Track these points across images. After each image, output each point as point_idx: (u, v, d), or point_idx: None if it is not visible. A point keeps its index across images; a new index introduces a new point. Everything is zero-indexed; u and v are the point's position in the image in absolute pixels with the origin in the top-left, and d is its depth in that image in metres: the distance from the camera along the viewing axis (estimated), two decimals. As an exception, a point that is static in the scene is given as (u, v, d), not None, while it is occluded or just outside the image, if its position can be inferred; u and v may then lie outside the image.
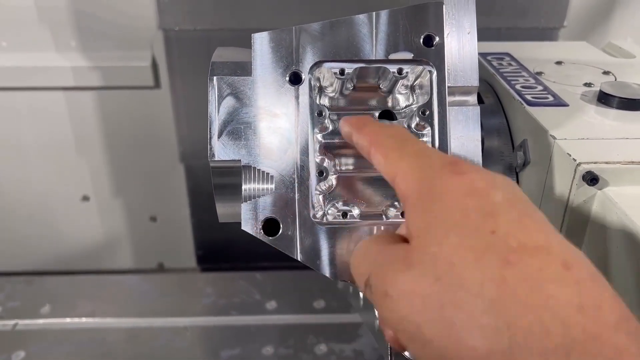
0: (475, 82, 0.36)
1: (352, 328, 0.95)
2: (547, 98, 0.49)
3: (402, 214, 0.35)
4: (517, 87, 0.52)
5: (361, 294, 0.43)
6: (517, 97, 0.49)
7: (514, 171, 0.49)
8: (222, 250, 1.33)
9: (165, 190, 1.43)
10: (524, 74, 0.55)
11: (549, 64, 0.58)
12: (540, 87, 0.51)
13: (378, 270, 0.26)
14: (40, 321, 0.96)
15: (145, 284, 1.05)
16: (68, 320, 0.97)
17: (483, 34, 1.04)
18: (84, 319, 0.97)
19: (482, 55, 0.60)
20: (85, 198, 1.45)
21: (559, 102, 0.48)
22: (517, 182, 0.49)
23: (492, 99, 0.54)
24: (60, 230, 1.49)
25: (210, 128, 0.36)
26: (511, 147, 0.50)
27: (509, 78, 0.54)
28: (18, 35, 1.25)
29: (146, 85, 1.29)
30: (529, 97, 0.49)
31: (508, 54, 0.61)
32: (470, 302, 0.22)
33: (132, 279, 1.06)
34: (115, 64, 1.27)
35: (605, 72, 0.56)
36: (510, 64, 0.58)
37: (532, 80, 0.53)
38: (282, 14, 1.07)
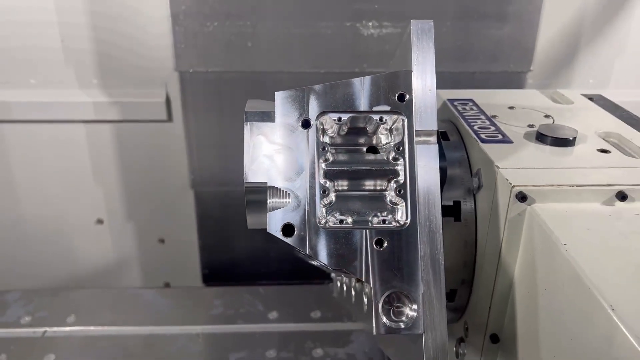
0: (434, 126, 0.50)
1: (345, 334, 1.07)
2: (497, 136, 0.64)
3: (383, 221, 0.49)
4: (475, 127, 0.66)
5: (365, 300, 0.55)
6: (474, 136, 0.64)
7: (471, 193, 0.63)
8: (227, 269, 1.45)
9: (174, 215, 1.56)
10: (482, 116, 0.69)
11: (503, 108, 0.73)
12: (493, 128, 0.66)
13: None
14: (67, 329, 1.08)
15: (160, 296, 1.17)
16: (92, 328, 1.08)
17: (459, 77, 1.21)
18: (106, 327, 1.08)
19: (450, 100, 0.75)
20: (100, 221, 1.57)
21: (505, 140, 0.63)
22: (474, 202, 0.63)
23: (456, 137, 0.68)
24: (75, 251, 1.61)
25: (245, 158, 0.49)
26: (470, 174, 0.64)
27: (469, 120, 0.68)
28: (45, 73, 1.39)
29: (160, 119, 1.43)
30: (483, 135, 0.64)
31: (471, 100, 0.75)
32: None
33: (148, 292, 1.18)
34: (132, 99, 1.41)
35: (547, 116, 0.71)
36: (472, 109, 0.72)
37: (488, 122, 0.68)
38: (284, 59, 1.22)
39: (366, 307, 0.54)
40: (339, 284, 0.90)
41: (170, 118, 1.44)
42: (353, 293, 0.66)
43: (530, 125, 0.67)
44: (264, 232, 1.45)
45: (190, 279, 1.59)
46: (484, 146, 0.61)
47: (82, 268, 1.61)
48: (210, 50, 1.20)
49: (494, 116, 0.70)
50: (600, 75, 1.47)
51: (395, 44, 1.21)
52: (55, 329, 1.08)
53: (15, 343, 1.04)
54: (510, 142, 0.62)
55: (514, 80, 1.28)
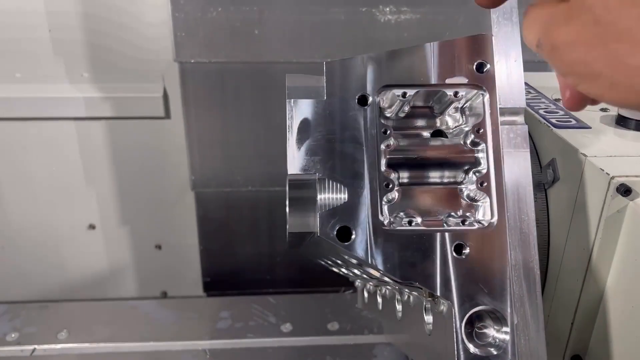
0: (522, 103, 0.40)
1: (367, 348, 0.97)
2: (570, 121, 0.54)
3: (463, 222, 0.39)
4: (541, 112, 0.56)
5: (400, 307, 0.46)
6: (544, 121, 0.54)
7: (542, 188, 0.53)
8: (230, 277, 1.35)
9: (172, 219, 1.45)
10: (544, 100, 0.60)
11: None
12: (561, 112, 0.56)
13: (544, 29, 0.30)
14: (59, 346, 0.97)
15: (160, 308, 1.06)
16: (86, 345, 0.98)
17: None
18: (102, 344, 0.98)
19: (502, 84, 0.65)
20: (92, 227, 1.47)
21: (581, 125, 0.53)
22: (546, 198, 0.53)
23: (518, 123, 0.58)
24: (65, 259, 1.50)
25: (288, 145, 0.39)
26: (539, 166, 0.54)
27: (531, 104, 0.59)
28: (32, 66, 1.29)
29: (157, 116, 1.32)
30: (554, 120, 0.54)
31: (526, 83, 0.66)
32: (629, 33, 0.26)
33: (147, 304, 1.07)
34: (126, 94, 1.31)
35: (617, 99, 0.62)
36: (529, 92, 0.63)
37: (553, 106, 0.58)
38: (294, 48, 1.13)
39: (430, 325, 0.44)
40: (366, 294, 0.80)
41: (168, 115, 1.33)
42: (399, 308, 0.57)
43: (604, 109, 0.57)
44: (269, 237, 1.35)
45: (190, 288, 1.49)
46: (559, 132, 0.51)
47: (73, 277, 1.50)
48: (213, 38, 1.11)
49: (558, 99, 0.60)
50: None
51: (414, 31, 1.12)
52: (45, 346, 0.97)
53: (0, 364, 0.93)
54: (588, 127, 0.53)
55: (541, 68, 1.19)
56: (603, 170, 0.44)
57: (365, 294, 0.79)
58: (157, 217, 1.46)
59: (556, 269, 0.52)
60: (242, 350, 0.97)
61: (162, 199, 1.43)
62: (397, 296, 0.56)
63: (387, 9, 1.11)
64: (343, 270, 0.70)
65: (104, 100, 1.30)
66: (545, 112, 0.56)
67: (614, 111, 0.55)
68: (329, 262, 0.70)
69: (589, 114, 0.56)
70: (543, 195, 0.53)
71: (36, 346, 0.97)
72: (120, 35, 1.26)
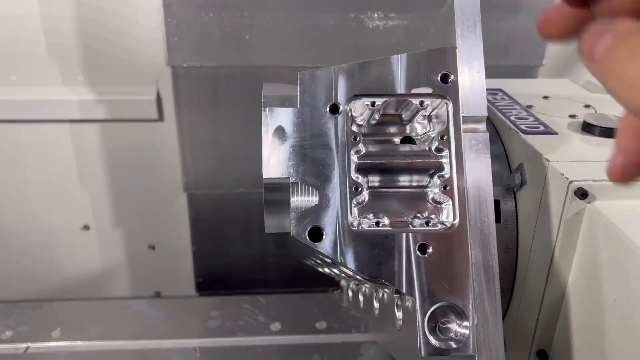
0: (484, 112, 0.43)
1: (354, 347, 1.00)
2: (538, 127, 0.57)
3: (427, 223, 0.42)
4: (512, 118, 0.59)
5: (399, 315, 0.48)
6: (513, 127, 0.57)
7: (512, 191, 0.56)
8: (222, 277, 1.37)
9: (166, 220, 1.48)
10: (516, 107, 0.63)
11: (538, 98, 0.66)
12: (531, 119, 0.59)
13: None
14: (52, 344, 0.99)
15: (151, 307, 1.08)
16: (79, 343, 1.00)
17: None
18: (95, 342, 1.00)
19: (478, 90, 0.68)
20: (86, 227, 1.49)
21: (549, 131, 0.56)
22: (515, 201, 0.56)
23: (490, 129, 0.61)
24: (59, 259, 1.52)
25: (263, 150, 0.42)
26: (508, 170, 0.57)
27: (503, 110, 0.61)
28: (27, 69, 1.31)
29: (150, 118, 1.35)
30: (523, 126, 0.57)
31: (501, 90, 0.68)
32: None
33: (139, 303, 1.10)
34: (121, 97, 1.33)
35: (586, 106, 0.64)
36: (503, 99, 0.65)
37: (524, 113, 0.61)
38: (284, 53, 1.15)
39: (400, 321, 0.47)
40: (350, 293, 0.82)
41: (161, 117, 1.36)
42: (376, 305, 0.59)
43: (572, 116, 0.60)
44: (261, 238, 1.37)
45: (182, 288, 1.51)
46: (526, 138, 0.54)
47: (66, 277, 1.52)
48: (205, 43, 1.13)
49: (530, 106, 0.63)
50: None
51: (402, 37, 1.14)
52: (38, 344, 0.99)
53: (-6, 361, 0.95)
54: (555, 133, 0.56)
55: (526, 75, 1.22)
56: (563, 174, 0.47)
57: (350, 293, 0.82)
58: (150, 218, 1.48)
59: (524, 269, 0.54)
60: (231, 348, 0.99)
61: (155, 200, 1.46)
62: (375, 294, 0.59)
63: (375, 15, 1.13)
64: (326, 269, 0.72)
65: (98, 103, 1.33)
66: (516, 118, 0.59)
67: (580, 118, 0.58)
68: (313, 262, 0.73)
69: (557, 120, 0.59)
70: (512, 198, 0.56)
71: (30, 344, 0.99)
72: (115, 40, 1.28)
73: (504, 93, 0.67)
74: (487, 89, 0.68)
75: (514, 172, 0.55)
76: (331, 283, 1.20)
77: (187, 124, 1.21)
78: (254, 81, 1.19)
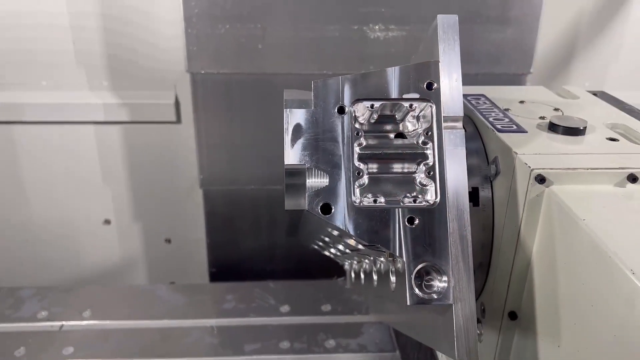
0: (460, 113, 0.54)
1: (355, 327, 1.10)
2: (512, 127, 0.67)
3: (414, 201, 0.53)
4: (490, 119, 0.70)
5: (393, 279, 0.57)
6: (491, 127, 0.67)
7: (489, 180, 0.67)
8: (234, 268, 1.48)
9: (181, 215, 1.59)
10: (495, 110, 0.73)
11: (515, 102, 0.77)
12: (507, 120, 0.70)
13: None
14: (84, 323, 1.10)
15: (172, 292, 1.19)
16: (108, 322, 1.11)
17: (462, 79, 1.25)
18: (122, 321, 1.11)
19: (464, 95, 0.79)
20: (107, 222, 1.60)
21: (520, 130, 0.67)
22: (491, 188, 0.66)
23: (472, 128, 0.72)
24: (82, 251, 1.63)
25: (285, 142, 0.53)
26: (486, 162, 0.68)
27: (484, 113, 0.72)
28: (57, 75, 1.42)
29: (169, 121, 1.46)
30: (499, 126, 0.68)
31: (483, 95, 0.79)
32: None
33: (160, 288, 1.20)
34: (141, 101, 1.45)
35: (556, 109, 0.75)
36: (485, 103, 0.76)
37: (501, 115, 0.72)
38: (293, 61, 1.26)
39: (394, 284, 0.57)
40: (353, 274, 0.93)
41: (179, 119, 1.47)
42: (375, 277, 0.70)
43: (542, 117, 0.71)
44: (270, 231, 1.47)
45: (196, 279, 1.61)
46: (500, 135, 0.65)
47: (88, 268, 1.64)
48: (222, 52, 1.24)
49: (507, 109, 0.74)
50: (597, 78, 1.52)
51: (401, 47, 1.25)
52: (72, 323, 1.10)
53: (33, 337, 1.06)
54: (525, 131, 0.66)
55: (515, 82, 1.33)
56: (527, 164, 0.57)
57: (352, 275, 0.92)
58: (167, 213, 1.59)
59: (498, 244, 0.65)
60: (244, 327, 1.10)
61: (172, 196, 1.57)
62: (374, 268, 0.70)
63: (377, 27, 1.24)
64: (332, 250, 0.83)
65: (121, 106, 1.44)
66: (493, 119, 0.70)
67: (549, 119, 0.69)
68: (321, 244, 0.83)
69: (529, 121, 0.70)
70: (489, 186, 0.66)
71: (64, 322, 1.10)
72: (138, 48, 1.39)
73: (486, 98, 0.78)
74: (472, 95, 0.79)
75: (490, 164, 0.66)
76: (334, 273, 1.30)
77: (204, 126, 1.31)
78: (265, 87, 1.29)
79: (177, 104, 1.45)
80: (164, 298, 1.18)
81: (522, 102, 0.78)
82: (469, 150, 0.67)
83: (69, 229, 1.59)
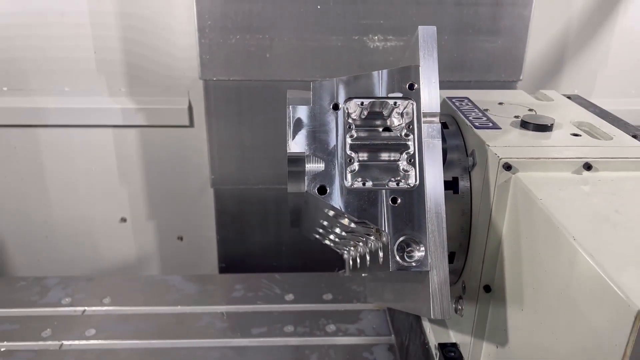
0: (437, 110, 0.63)
1: (355, 313, 1.19)
2: (488, 125, 0.77)
3: (397, 184, 0.62)
4: (470, 118, 0.79)
5: (381, 254, 0.67)
6: (469, 124, 0.77)
7: (467, 171, 0.76)
8: (242, 262, 1.57)
9: (194, 214, 1.68)
10: (475, 110, 0.83)
11: (494, 104, 0.86)
12: (485, 118, 0.79)
13: None
14: (105, 308, 1.20)
15: (186, 282, 1.28)
16: (127, 308, 1.20)
17: (456, 85, 1.36)
18: (140, 307, 1.20)
19: (449, 98, 0.88)
20: (123, 220, 1.70)
21: (495, 127, 0.76)
22: (469, 178, 0.75)
23: (454, 126, 0.81)
24: (100, 247, 1.73)
25: (287, 134, 0.62)
26: (466, 155, 0.77)
27: (465, 113, 0.81)
28: (78, 82, 1.53)
29: (182, 125, 1.56)
30: (476, 123, 0.77)
31: (467, 98, 0.89)
32: None
33: (174, 278, 1.30)
34: (157, 106, 1.55)
35: (530, 110, 0.84)
36: (467, 104, 0.85)
37: (480, 114, 0.81)
38: (299, 69, 1.35)
39: (382, 258, 0.67)
40: (351, 262, 1.02)
41: (192, 123, 1.57)
42: (368, 258, 0.79)
43: (516, 117, 0.80)
44: (277, 228, 1.56)
45: (207, 273, 1.70)
46: (477, 131, 0.74)
47: (105, 262, 1.73)
48: (232, 60, 1.34)
49: (486, 110, 0.83)
50: (585, 85, 1.61)
51: (398, 56, 1.35)
52: (93, 308, 1.20)
53: (58, 320, 1.16)
54: (499, 128, 0.76)
55: (506, 88, 1.41)
56: (496, 154, 0.67)
57: (351, 262, 1.01)
58: (180, 211, 1.69)
59: (475, 226, 0.74)
60: (252, 313, 1.19)
61: (185, 195, 1.66)
62: (367, 250, 0.79)
63: (376, 37, 1.34)
64: (331, 237, 0.92)
65: (138, 111, 1.54)
66: (473, 118, 0.79)
67: (522, 117, 0.78)
68: (320, 231, 0.93)
69: (504, 119, 0.79)
70: (467, 176, 0.75)
71: (86, 308, 1.20)
72: (154, 57, 1.50)
73: (469, 100, 0.87)
74: (457, 97, 0.88)
75: (468, 157, 0.75)
76: (336, 267, 1.39)
77: (215, 130, 1.41)
78: (273, 93, 1.39)
79: (190, 109, 1.55)
80: (178, 287, 1.27)
81: (500, 103, 0.87)
82: (451, 145, 0.77)
83: (88, 226, 1.69)
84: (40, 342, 1.10)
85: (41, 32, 1.45)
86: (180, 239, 1.72)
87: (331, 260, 1.32)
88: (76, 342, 1.10)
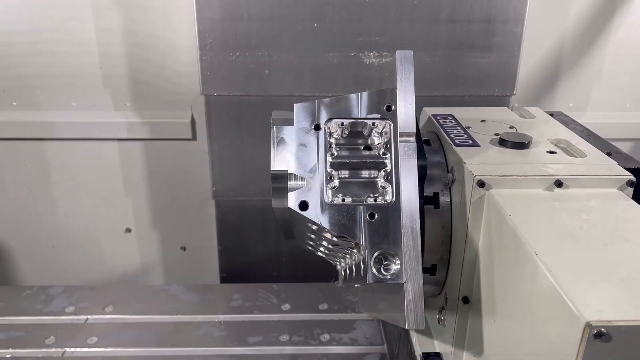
0: (413, 130, 0.66)
1: (349, 323, 1.22)
2: (468, 142, 0.80)
3: (375, 200, 0.65)
4: (451, 135, 0.82)
5: (363, 267, 0.71)
6: (450, 141, 0.80)
7: (447, 186, 0.79)
8: (243, 272, 1.60)
9: (196, 225, 1.72)
10: (458, 127, 0.86)
11: (477, 121, 0.89)
12: (465, 136, 0.82)
13: None
14: (107, 317, 1.24)
15: (186, 291, 1.32)
16: (128, 316, 1.24)
17: (451, 100, 1.39)
18: (141, 316, 1.24)
19: (434, 115, 0.92)
20: (128, 230, 1.74)
21: (474, 144, 0.79)
22: (450, 193, 0.79)
23: (437, 143, 0.84)
24: (105, 257, 1.78)
25: (271, 153, 0.66)
26: (447, 171, 0.80)
27: (447, 130, 0.85)
28: (85, 96, 1.58)
29: (185, 138, 1.61)
30: (457, 141, 0.80)
31: (452, 115, 0.92)
32: None
33: (175, 288, 1.33)
34: (161, 120, 1.59)
35: (511, 127, 0.87)
36: (451, 122, 0.89)
37: (462, 132, 0.84)
38: (297, 85, 1.39)
39: (362, 270, 0.70)
40: (343, 272, 1.05)
41: (194, 137, 1.61)
42: (354, 269, 0.82)
43: (496, 134, 0.83)
44: (277, 239, 1.60)
45: (208, 283, 1.74)
46: (457, 149, 0.77)
47: (110, 272, 1.78)
48: (233, 77, 1.38)
49: (468, 127, 0.86)
50: (580, 99, 1.64)
51: (393, 71, 1.38)
52: (96, 316, 1.24)
53: (62, 328, 1.20)
54: (478, 145, 0.79)
55: (500, 103, 1.44)
56: (471, 171, 0.70)
57: (343, 273, 1.05)
58: (183, 222, 1.73)
59: (455, 240, 0.77)
60: (249, 322, 1.22)
61: (188, 207, 1.70)
62: (353, 262, 0.82)
63: (372, 54, 1.38)
64: (321, 249, 0.95)
65: (143, 124, 1.59)
66: (454, 135, 0.82)
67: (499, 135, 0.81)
68: (311, 243, 0.96)
69: (484, 137, 0.82)
70: (448, 191, 0.79)
71: (89, 316, 1.24)
72: (158, 73, 1.55)
73: (453, 117, 0.90)
74: (441, 114, 0.92)
75: (448, 173, 0.78)
76: (334, 277, 1.42)
77: (216, 143, 1.45)
78: (272, 108, 1.39)
79: (193, 123, 1.59)
80: (178, 296, 1.31)
81: (483, 120, 0.90)
82: (433, 161, 0.80)
83: (94, 236, 1.73)
84: (44, 350, 1.14)
85: (49, 49, 1.50)
86: (184, 249, 1.76)
87: (330, 271, 1.35)
88: (78, 349, 1.14)
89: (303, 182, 0.66)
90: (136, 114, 1.59)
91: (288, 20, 1.34)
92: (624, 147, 1.68)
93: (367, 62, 1.38)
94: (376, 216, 0.65)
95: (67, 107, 1.58)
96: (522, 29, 1.37)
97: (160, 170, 1.66)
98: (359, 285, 1.03)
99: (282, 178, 0.66)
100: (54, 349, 1.14)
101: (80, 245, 1.74)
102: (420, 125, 0.99)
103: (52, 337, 1.17)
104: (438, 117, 0.91)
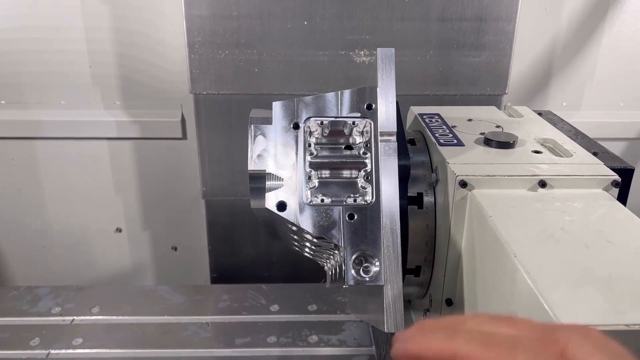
0: (394, 129, 0.65)
1: (338, 324, 1.21)
2: (452, 141, 0.79)
3: (354, 200, 0.64)
4: (436, 135, 0.81)
5: (338, 270, 0.70)
6: (434, 141, 0.79)
7: (431, 187, 0.78)
8: (233, 273, 1.59)
9: (187, 224, 1.71)
10: (443, 127, 0.85)
11: (463, 120, 0.88)
12: (451, 135, 0.81)
13: None
14: (93, 318, 1.22)
15: (174, 292, 1.31)
16: (114, 317, 1.23)
17: (442, 99, 1.37)
18: (127, 317, 1.22)
19: (420, 114, 0.90)
20: (118, 230, 1.73)
21: (459, 144, 0.78)
22: (434, 193, 0.77)
23: (422, 143, 0.83)
24: (95, 257, 1.76)
25: (249, 152, 0.65)
26: (431, 171, 0.79)
27: (433, 129, 0.83)
28: (74, 95, 1.57)
29: (175, 137, 1.59)
30: (442, 140, 0.79)
31: (438, 114, 0.91)
32: None
33: (163, 289, 1.32)
34: (150, 119, 1.58)
35: (497, 126, 0.86)
36: (437, 121, 0.88)
37: (447, 131, 0.83)
38: (287, 83, 1.38)
39: (344, 272, 0.69)
40: (330, 273, 1.04)
41: (184, 136, 1.60)
42: (338, 270, 0.81)
43: (482, 133, 0.82)
44: (267, 239, 1.58)
45: (199, 283, 1.73)
46: (440, 148, 0.76)
47: (101, 272, 1.76)
48: (222, 75, 1.37)
49: (454, 126, 0.85)
50: (573, 98, 1.63)
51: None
52: (82, 317, 1.22)
53: (47, 329, 1.18)
54: (463, 145, 0.78)
55: (492, 102, 1.43)
56: (454, 171, 0.69)
57: (330, 274, 1.03)
58: (173, 222, 1.72)
59: (439, 241, 0.76)
60: (237, 323, 1.21)
61: (178, 206, 1.69)
62: (337, 262, 0.81)
63: (362, 52, 1.37)
64: (306, 250, 0.94)
65: (132, 123, 1.58)
66: (439, 135, 0.81)
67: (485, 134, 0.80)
68: (295, 244, 0.95)
69: (469, 136, 0.81)
70: (432, 191, 0.77)
71: (75, 317, 1.22)
72: (147, 71, 1.53)
73: (440, 117, 0.89)
74: (428, 114, 0.90)
75: (433, 173, 0.77)
76: (323, 277, 1.41)
77: (206, 142, 1.44)
78: (262, 106, 1.39)
79: (183, 122, 1.58)
80: (166, 297, 1.29)
81: (469, 120, 0.89)
82: (418, 161, 0.79)
83: (84, 236, 1.72)
84: (29, 351, 1.12)
85: (38, 47, 1.49)
86: (175, 249, 1.75)
87: (322, 271, 1.34)
88: (63, 350, 1.12)
89: (281, 182, 0.64)
90: (126, 112, 1.57)
91: (278, 18, 1.33)
92: (618, 147, 1.67)
93: (358, 61, 1.37)
94: (355, 217, 0.64)
95: (57, 106, 1.57)
96: (514, 28, 1.36)
97: (151, 170, 1.65)
98: (346, 286, 1.01)
99: (260, 178, 0.65)
100: (38, 351, 1.12)
101: (70, 245, 1.72)
102: (407, 125, 0.98)
103: (37, 338, 1.16)
104: (424, 116, 0.89)
